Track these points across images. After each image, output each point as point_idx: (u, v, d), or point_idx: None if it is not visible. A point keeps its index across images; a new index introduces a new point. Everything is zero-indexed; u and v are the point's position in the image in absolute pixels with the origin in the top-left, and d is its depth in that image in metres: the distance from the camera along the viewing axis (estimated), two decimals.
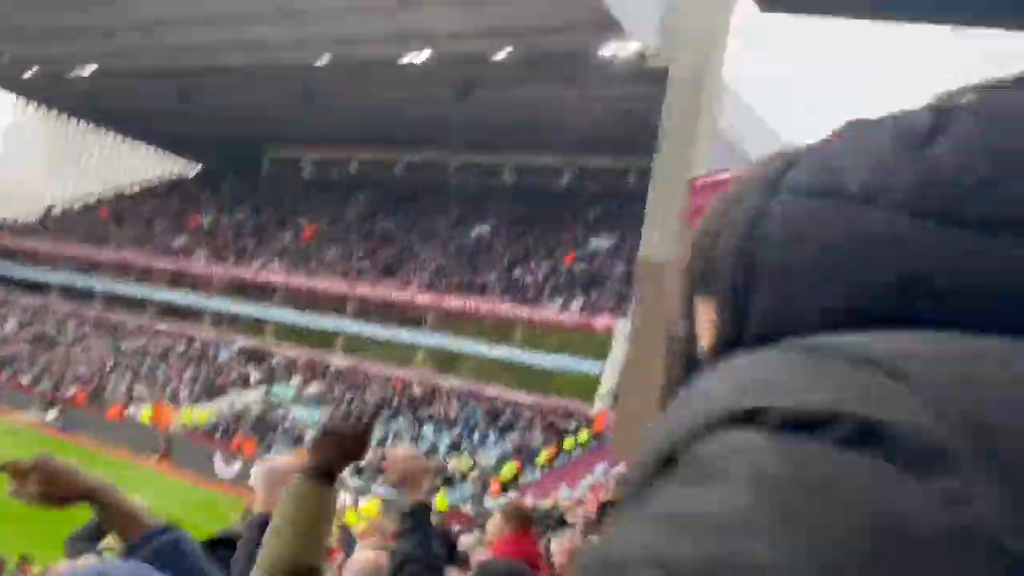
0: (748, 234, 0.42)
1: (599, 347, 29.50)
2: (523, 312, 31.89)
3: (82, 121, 60.75)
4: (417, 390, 31.03)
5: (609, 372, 28.34)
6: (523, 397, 29.76)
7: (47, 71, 44.63)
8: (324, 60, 34.13)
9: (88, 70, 43.09)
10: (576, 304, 31.72)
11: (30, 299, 46.16)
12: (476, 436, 27.22)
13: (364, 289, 35.91)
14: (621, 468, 23.46)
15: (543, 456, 25.49)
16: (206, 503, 22.11)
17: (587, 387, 29.11)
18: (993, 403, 0.31)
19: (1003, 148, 0.37)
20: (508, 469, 24.69)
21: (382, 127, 44.28)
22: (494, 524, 4.98)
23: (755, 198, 0.43)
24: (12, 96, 56.42)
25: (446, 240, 39.43)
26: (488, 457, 25.86)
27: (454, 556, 5.08)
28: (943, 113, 0.40)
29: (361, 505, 22.81)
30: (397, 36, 31.06)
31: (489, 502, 23.44)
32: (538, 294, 32.84)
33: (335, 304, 37.39)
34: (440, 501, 22.75)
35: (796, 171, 0.43)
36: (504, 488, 24.17)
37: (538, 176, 47.66)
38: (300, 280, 38.06)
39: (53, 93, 50.17)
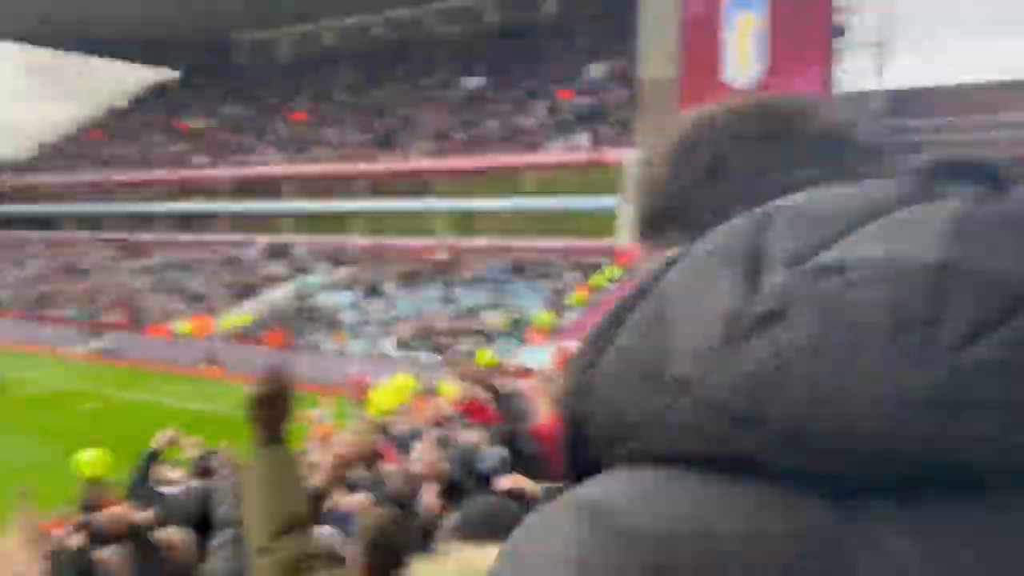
0: (573, 397, 0.48)
1: (613, 181, 29.07)
2: (530, 159, 31.30)
3: (48, 48, 58.81)
4: (441, 255, 31.16)
5: (626, 204, 28.07)
6: (546, 244, 29.80)
7: None
8: None
9: None
10: (581, 141, 30.99)
11: (49, 234, 46.51)
12: (507, 289, 27.51)
13: (368, 166, 35.39)
14: None
15: (575, 298, 25.77)
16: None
17: (608, 223, 28.98)
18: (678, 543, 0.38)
19: (813, 372, 0.38)
20: (544, 316, 25.07)
21: None
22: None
23: (580, 366, 0.48)
24: None
25: (439, 100, 38.28)
26: (522, 308, 26.22)
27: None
28: (782, 300, 0.40)
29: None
30: None
31: (530, 351, 23.98)
32: (542, 138, 32.11)
33: (344, 186, 37.05)
34: (482, 356, 23.31)
35: (623, 341, 0.46)
36: (543, 335, 24.64)
37: (522, 10, 45.44)
38: (303, 168, 37.58)
39: (11, 23, 48.23)
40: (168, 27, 51.14)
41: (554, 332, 24.71)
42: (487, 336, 25.00)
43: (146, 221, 44.34)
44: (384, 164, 35.06)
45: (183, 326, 30.70)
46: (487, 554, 1.06)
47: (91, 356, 30.44)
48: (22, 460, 17.67)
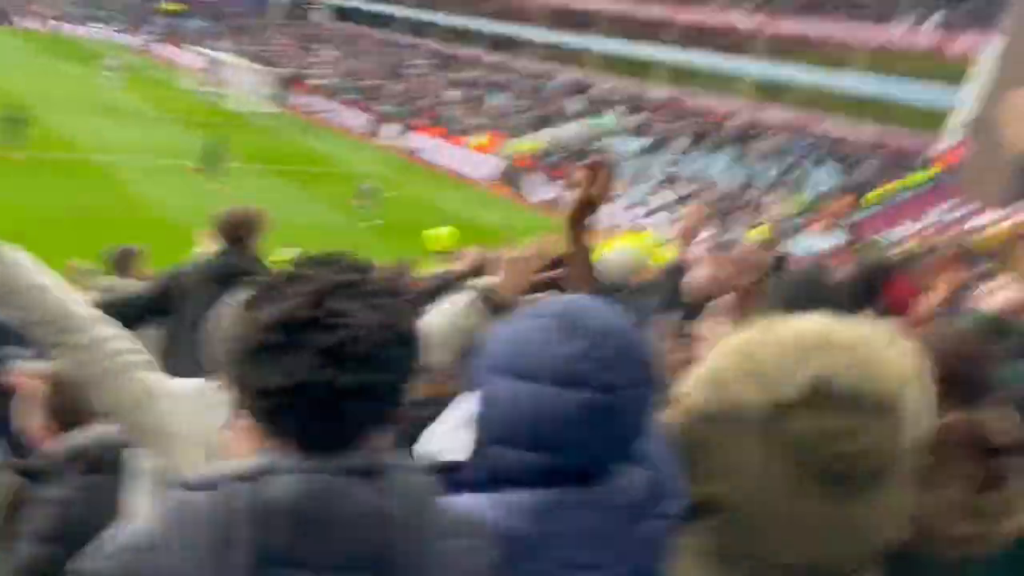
0: None
1: (954, 73, 25.54)
2: (866, 34, 28.12)
3: None
4: (739, 122, 29.77)
5: (966, 102, 24.70)
6: (859, 131, 27.34)
7: None
8: None
9: None
10: (931, 23, 27.19)
11: (379, 33, 50.48)
12: (803, 170, 25.88)
13: (687, 14, 33.87)
14: (969, 209, 21.21)
15: (878, 192, 23.73)
16: (532, 223, 24.15)
17: (934, 120, 25.84)
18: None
19: None
20: (839, 204, 23.46)
21: None
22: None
23: None
24: None
25: None
26: (815, 192, 24.67)
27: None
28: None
29: None
30: None
31: (804, 238, 22.75)
32: (886, 13, 28.59)
33: (657, 32, 36.01)
34: (757, 231, 22.54)
35: None
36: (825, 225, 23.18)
37: None
38: (621, 6, 36.84)
39: None
40: None
41: (839, 224, 23.13)
42: (767, 213, 24.00)
43: (464, 36, 46.48)
44: (704, 14, 33.38)
45: (481, 141, 32.57)
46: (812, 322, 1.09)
47: (400, 151, 33.50)
48: (316, 223, 20.20)
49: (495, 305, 2.13)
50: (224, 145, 21.26)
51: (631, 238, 18.98)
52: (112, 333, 1.82)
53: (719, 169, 27.12)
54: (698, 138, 29.42)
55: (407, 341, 1.04)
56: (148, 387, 1.80)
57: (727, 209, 24.33)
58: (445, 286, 3.35)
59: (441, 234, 16.50)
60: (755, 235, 22.57)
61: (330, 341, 0.95)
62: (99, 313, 1.84)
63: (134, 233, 15.95)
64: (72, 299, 1.81)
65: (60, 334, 1.75)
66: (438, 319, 2.14)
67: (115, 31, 57.18)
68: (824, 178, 25.74)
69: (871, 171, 25.20)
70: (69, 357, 1.78)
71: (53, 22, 55.25)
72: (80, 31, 55.88)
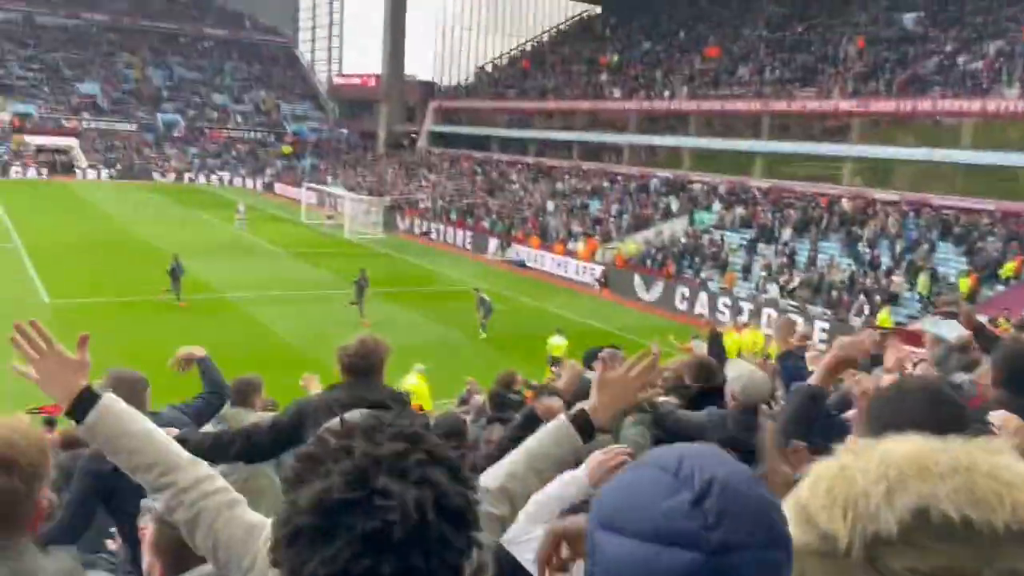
0: None
1: None
2: (972, 106, 27.31)
3: None
4: (847, 205, 29.09)
5: None
6: (978, 203, 26.17)
7: None
8: None
9: None
10: None
11: (478, 153, 52.78)
12: (922, 249, 24.82)
13: (779, 105, 33.94)
14: None
15: (1008, 268, 22.42)
16: (640, 323, 23.97)
17: None
18: None
19: None
20: (963, 283, 22.28)
21: None
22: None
23: None
24: None
25: (868, 36, 34.99)
26: (939, 271, 23.53)
27: None
28: None
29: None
30: None
31: (939, 320, 21.57)
32: (991, 82, 27.81)
33: (750, 125, 36.17)
34: (884, 318, 21.60)
35: None
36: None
37: None
38: (711, 105, 37.35)
39: None
40: None
41: (976, 302, 21.90)
42: (893, 297, 23.01)
43: (558, 147, 48.03)
44: (797, 103, 33.35)
45: (580, 247, 33.06)
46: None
47: (502, 264, 34.35)
48: (437, 340, 20.85)
49: (588, 429, 2.11)
50: (366, 277, 22.58)
51: (749, 336, 18.61)
52: (209, 473, 1.86)
53: (831, 255, 26.37)
54: (805, 225, 28.86)
55: (460, 517, 0.95)
56: (248, 525, 1.77)
57: (840, 295, 23.51)
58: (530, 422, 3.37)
59: (558, 343, 16.96)
60: (882, 319, 21.67)
61: (371, 525, 0.89)
62: (193, 456, 1.91)
63: (263, 362, 16.83)
64: (171, 442, 1.90)
65: (163, 476, 1.83)
66: (534, 445, 2.11)
67: (240, 177, 62.15)
68: (946, 255, 24.60)
69: (996, 245, 23.92)
70: (172, 499, 1.83)
71: (187, 174, 60.58)
72: (211, 179, 61.06)
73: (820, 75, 34.13)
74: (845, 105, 31.36)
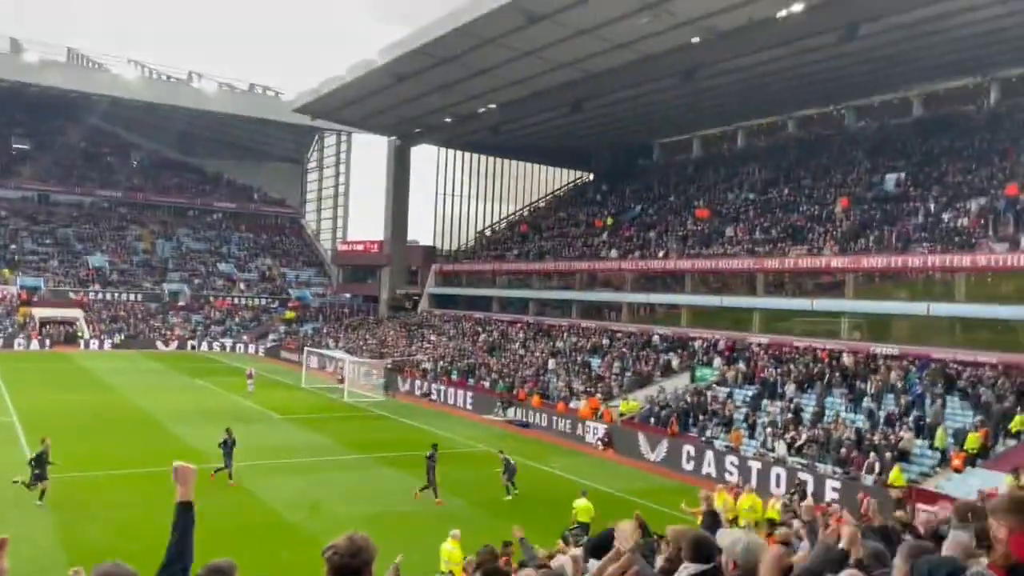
0: None
1: None
2: (963, 260, 27.84)
3: (492, 156, 68.89)
4: (848, 360, 29.01)
5: None
6: (980, 355, 26.07)
7: (457, 114, 51.30)
8: (697, 38, 33.88)
9: (488, 106, 48.56)
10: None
11: (478, 313, 53.37)
12: (928, 404, 24.47)
13: (772, 262, 34.67)
14: None
15: (1018, 421, 21.99)
16: (642, 486, 23.23)
17: None
18: None
19: None
20: (972, 439, 21.77)
21: (765, 93, 42.65)
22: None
23: None
24: (438, 148, 66.27)
25: (854, 195, 36.30)
26: (946, 426, 23.07)
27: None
28: None
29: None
30: None
31: (949, 478, 20.97)
32: (978, 237, 28.51)
33: (745, 282, 36.79)
34: (896, 476, 20.97)
35: None
36: (969, 461, 21.40)
37: (953, 102, 41.62)
38: (704, 263, 38.16)
39: (466, 136, 57.46)
40: (591, 137, 56.73)
41: (986, 459, 21.31)
42: (903, 455, 22.44)
43: (559, 306, 48.66)
44: (789, 261, 34.05)
45: (582, 405, 32.68)
46: None
47: (504, 424, 33.82)
48: (431, 507, 20.10)
49: None
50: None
51: (746, 501, 17.95)
52: None
53: (837, 411, 26.00)
54: (808, 380, 28.65)
55: None
56: None
57: (849, 452, 22.93)
58: None
59: (583, 505, 17.24)
60: (894, 476, 21.01)
61: None
62: None
63: (252, 537, 16.11)
64: None
65: None
66: None
67: (242, 343, 62.60)
68: (954, 410, 24.22)
69: (1003, 399, 23.59)
70: None
71: (190, 342, 61.01)
72: (214, 346, 61.45)
73: (810, 233, 35.09)
74: (836, 262, 32.02)
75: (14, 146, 75.29)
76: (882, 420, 24.52)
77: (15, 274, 62.38)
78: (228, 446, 21.23)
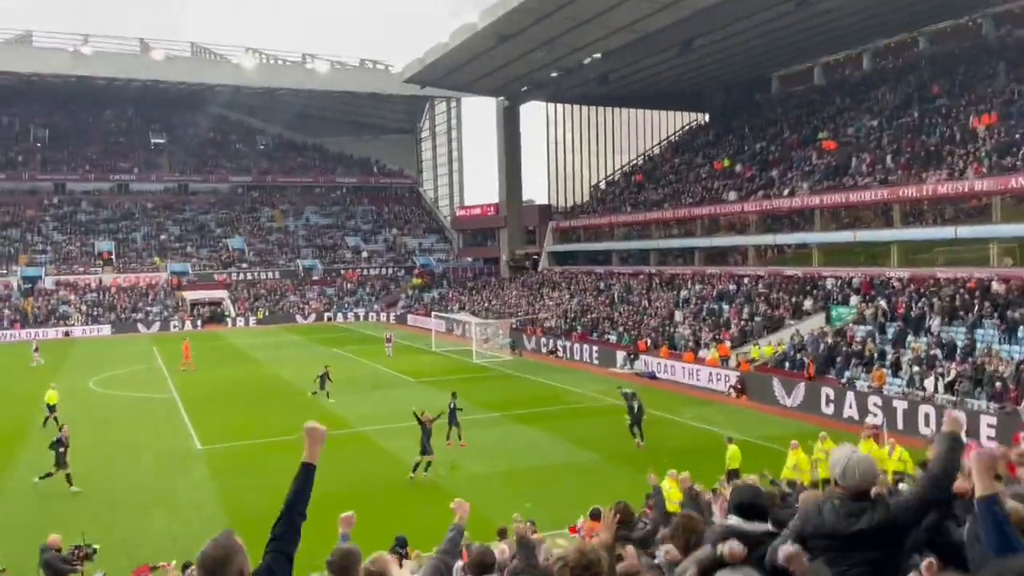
0: None
1: None
2: None
3: (601, 107, 67.76)
4: (998, 288, 27.01)
5: None
6: None
7: (563, 67, 50.65)
8: None
9: (594, 56, 47.65)
10: None
11: (599, 268, 53.11)
12: None
13: (909, 191, 32.49)
14: None
15: None
16: (780, 432, 22.68)
17: None
18: None
19: None
20: None
21: (892, 7, 39.77)
22: None
23: None
24: (546, 105, 65.78)
25: (997, 111, 33.39)
26: None
27: None
28: None
29: None
30: None
31: None
32: None
33: (880, 213, 34.79)
34: None
35: None
36: None
37: None
38: (835, 197, 36.23)
39: (573, 89, 56.71)
40: (703, 77, 54.74)
41: None
42: None
43: (681, 255, 47.73)
44: (928, 187, 31.84)
45: (711, 353, 32.08)
46: None
47: (631, 376, 33.70)
48: (564, 462, 20.38)
49: None
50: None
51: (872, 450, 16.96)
52: None
53: (989, 343, 24.36)
54: (955, 312, 26.91)
55: None
56: None
57: (1005, 385, 21.47)
58: None
59: (734, 450, 17.19)
60: None
61: None
62: None
63: (395, 496, 16.91)
64: None
65: None
66: None
67: (374, 312, 65.17)
68: None
69: None
70: None
71: (327, 314, 64.09)
72: (348, 316, 64.36)
73: (949, 156, 32.63)
74: (981, 184, 29.67)
75: (152, 141, 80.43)
76: None
77: (165, 261, 67.18)
78: (323, 378, 30.24)
